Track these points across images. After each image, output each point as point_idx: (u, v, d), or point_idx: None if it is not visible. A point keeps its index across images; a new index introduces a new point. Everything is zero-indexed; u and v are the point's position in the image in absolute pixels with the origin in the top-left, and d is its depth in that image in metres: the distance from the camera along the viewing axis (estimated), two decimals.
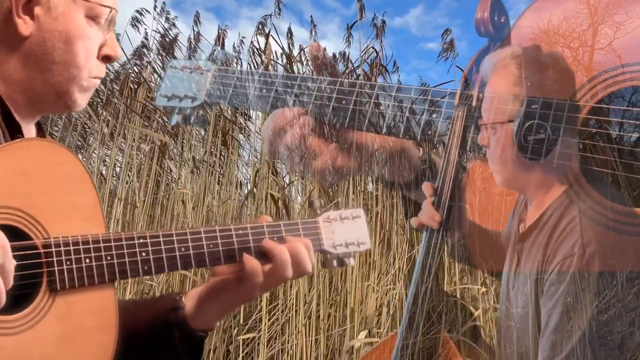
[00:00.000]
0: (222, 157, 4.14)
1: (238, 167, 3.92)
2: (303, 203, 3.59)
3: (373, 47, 3.65)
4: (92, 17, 0.96)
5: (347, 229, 1.08)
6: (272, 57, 3.98)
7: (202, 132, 4.40)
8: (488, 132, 1.31)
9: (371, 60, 3.64)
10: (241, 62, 4.18)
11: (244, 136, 4.14)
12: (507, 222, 1.45)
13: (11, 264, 0.78)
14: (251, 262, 0.96)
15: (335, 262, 1.07)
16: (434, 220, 1.39)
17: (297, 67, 4.07)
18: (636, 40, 1.28)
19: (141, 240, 0.89)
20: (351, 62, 3.81)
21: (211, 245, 0.93)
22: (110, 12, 0.98)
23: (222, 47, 4.43)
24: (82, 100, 0.98)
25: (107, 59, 1.00)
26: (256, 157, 3.81)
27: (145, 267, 0.88)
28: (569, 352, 1.15)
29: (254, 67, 4.01)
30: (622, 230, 1.17)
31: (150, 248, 0.89)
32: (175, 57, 5.08)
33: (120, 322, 0.89)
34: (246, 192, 3.90)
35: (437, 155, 1.46)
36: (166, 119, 4.72)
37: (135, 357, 1.05)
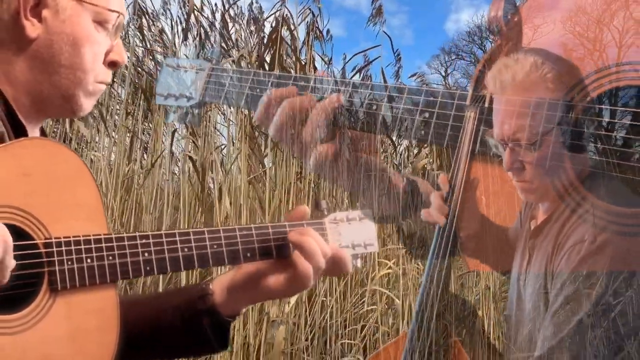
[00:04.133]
0: (145, 123, 3.98)
1: (164, 133, 3.77)
2: (229, 168, 3.48)
3: (310, 9, 3.54)
4: (100, 22, 0.95)
5: (354, 230, 1.08)
6: (195, 7, 3.81)
7: (122, 94, 4.18)
8: (523, 153, 1.26)
9: (308, 22, 3.51)
10: (171, 14, 3.99)
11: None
12: (517, 218, 1.47)
13: (11, 260, 0.77)
14: (304, 265, 0.98)
15: None
16: (442, 214, 1.36)
17: (234, 26, 3.92)
18: (549, 43, 1.36)
19: (144, 241, 0.89)
20: (292, 24, 3.62)
21: (215, 246, 0.94)
22: (118, 17, 0.97)
23: None
24: (87, 104, 0.97)
25: (113, 64, 0.99)
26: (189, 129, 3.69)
27: (148, 268, 0.88)
28: (567, 333, 1.18)
29: (183, 20, 3.82)
30: (627, 233, 1.21)
31: (152, 248, 0.89)
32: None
33: (135, 319, 0.90)
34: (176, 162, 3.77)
35: (423, 181, 1.46)
36: None
37: (161, 349, 1.06)
